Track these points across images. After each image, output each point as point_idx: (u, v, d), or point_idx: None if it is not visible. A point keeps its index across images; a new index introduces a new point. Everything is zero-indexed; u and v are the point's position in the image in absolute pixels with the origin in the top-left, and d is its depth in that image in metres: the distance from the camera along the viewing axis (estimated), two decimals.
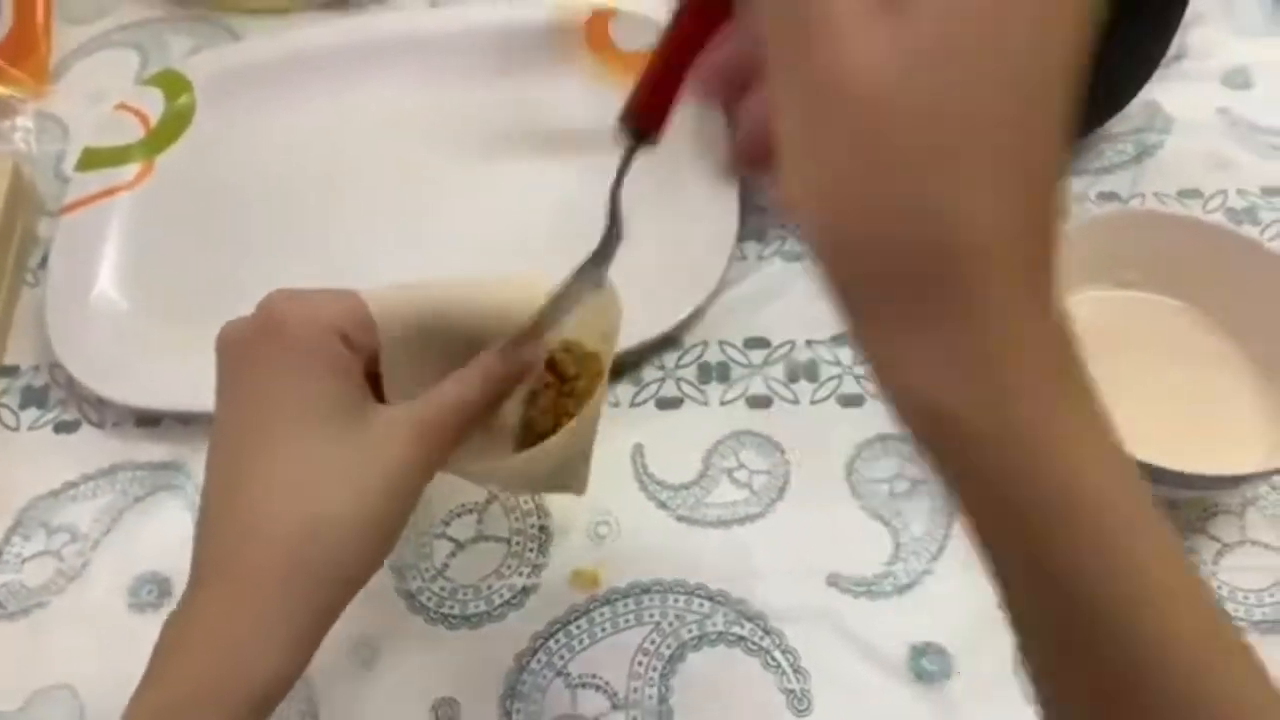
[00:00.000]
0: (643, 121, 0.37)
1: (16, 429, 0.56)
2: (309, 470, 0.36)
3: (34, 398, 0.57)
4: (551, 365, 0.44)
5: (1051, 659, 0.28)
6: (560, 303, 0.40)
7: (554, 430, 0.42)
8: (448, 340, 0.40)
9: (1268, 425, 0.50)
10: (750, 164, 0.29)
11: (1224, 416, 0.50)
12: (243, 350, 0.37)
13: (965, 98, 0.22)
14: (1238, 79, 0.67)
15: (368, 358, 0.38)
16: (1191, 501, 0.51)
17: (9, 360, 0.59)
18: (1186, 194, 0.62)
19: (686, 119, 0.64)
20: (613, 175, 0.38)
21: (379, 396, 0.39)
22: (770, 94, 0.25)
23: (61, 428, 0.56)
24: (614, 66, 0.68)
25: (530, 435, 0.43)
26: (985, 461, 0.25)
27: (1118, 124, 0.65)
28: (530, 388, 0.44)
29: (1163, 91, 0.66)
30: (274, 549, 0.35)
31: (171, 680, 0.34)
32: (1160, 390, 0.50)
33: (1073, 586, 0.25)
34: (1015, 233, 0.23)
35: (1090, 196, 0.62)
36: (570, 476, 0.45)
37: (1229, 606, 0.49)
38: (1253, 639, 0.26)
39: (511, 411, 0.43)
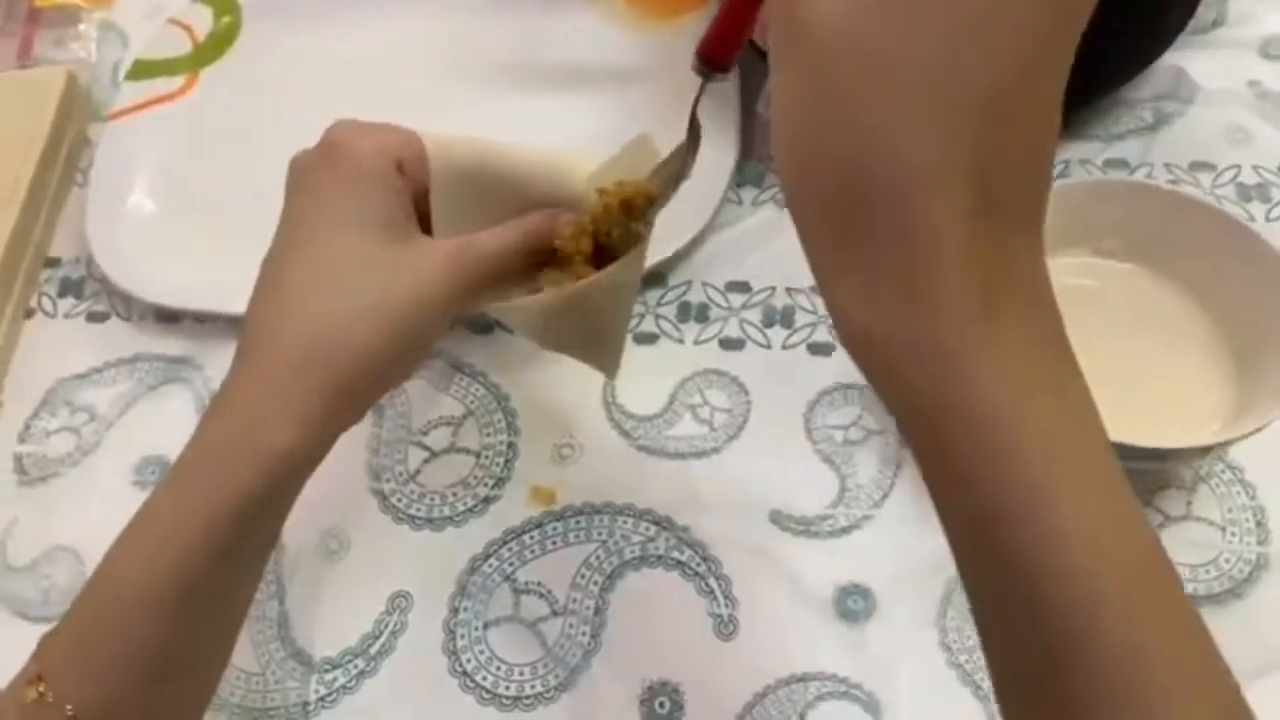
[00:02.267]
0: (715, 57, 0.41)
1: (54, 315, 0.62)
2: (345, 269, 0.40)
3: (71, 288, 0.63)
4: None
5: (968, 578, 0.28)
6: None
7: None
8: (495, 194, 0.44)
9: (1230, 403, 0.50)
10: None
11: (1186, 392, 0.51)
12: (305, 171, 0.42)
13: (903, 47, 0.24)
14: (1274, 49, 0.65)
15: (419, 192, 0.42)
16: (1141, 473, 0.52)
17: (54, 252, 0.64)
18: (1198, 167, 0.61)
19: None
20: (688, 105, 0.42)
21: (426, 231, 0.43)
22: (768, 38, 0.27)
23: (92, 317, 0.62)
24: (630, 4, 0.69)
25: None
26: (903, 373, 0.26)
27: (1137, 89, 0.63)
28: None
29: (1192, 59, 0.64)
30: (299, 333, 0.39)
31: (200, 441, 0.39)
32: (1122, 361, 0.50)
33: (970, 495, 0.26)
34: (946, 168, 0.25)
35: (1097, 163, 0.62)
36: (600, 349, 0.47)
37: None
38: None
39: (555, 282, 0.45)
